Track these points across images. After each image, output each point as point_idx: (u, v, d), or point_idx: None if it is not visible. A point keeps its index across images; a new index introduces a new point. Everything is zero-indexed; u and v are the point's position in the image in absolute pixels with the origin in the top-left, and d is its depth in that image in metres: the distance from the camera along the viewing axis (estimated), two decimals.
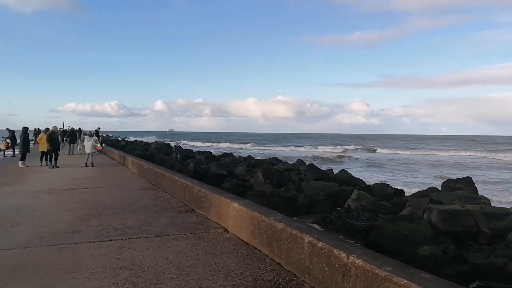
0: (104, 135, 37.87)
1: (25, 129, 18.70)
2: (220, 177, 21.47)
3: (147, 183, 12.60)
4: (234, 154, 46.97)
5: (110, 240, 5.90)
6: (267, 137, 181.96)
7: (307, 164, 33.74)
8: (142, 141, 72.69)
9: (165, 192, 10.68)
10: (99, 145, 19.50)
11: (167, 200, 9.55)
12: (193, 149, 51.62)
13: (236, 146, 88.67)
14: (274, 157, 36.05)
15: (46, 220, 7.31)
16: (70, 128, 36.36)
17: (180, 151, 33.46)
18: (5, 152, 23.63)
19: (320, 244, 4.14)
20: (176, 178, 9.89)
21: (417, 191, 17.47)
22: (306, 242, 4.38)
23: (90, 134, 19.57)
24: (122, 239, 5.94)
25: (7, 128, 23.71)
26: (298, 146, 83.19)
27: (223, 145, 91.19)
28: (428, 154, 64.23)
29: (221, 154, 47.66)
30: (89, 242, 5.82)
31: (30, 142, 23.32)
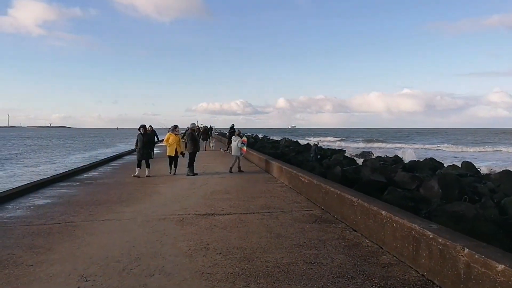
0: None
1: (143, 128, 14.17)
2: (377, 185, 16.62)
3: (311, 205, 8.51)
4: (373, 152, 41.34)
5: None
6: (395, 132, 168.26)
7: (479, 168, 26.74)
8: (269, 138, 70.87)
9: (354, 230, 6.39)
10: (245, 147, 15.46)
11: (374, 256, 5.20)
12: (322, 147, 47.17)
13: (363, 144, 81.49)
14: (432, 158, 29.55)
15: None
16: (203, 126, 35.49)
17: (319, 151, 29.21)
18: None
19: None
20: (382, 212, 5.50)
21: None
22: None
23: (238, 133, 16.17)
24: None
25: (150, 126, 21.71)
26: (433, 144, 72.56)
27: (349, 142, 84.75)
28: None
29: (359, 153, 42.46)
30: None
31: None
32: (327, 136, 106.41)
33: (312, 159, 26.60)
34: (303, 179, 9.80)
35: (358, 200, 6.44)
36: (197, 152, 14.74)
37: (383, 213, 5.49)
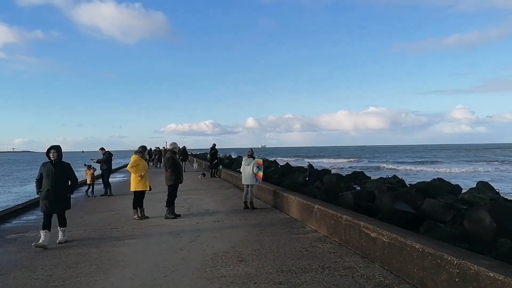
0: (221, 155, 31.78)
1: (54, 152, 7.45)
2: (404, 216, 12.79)
3: None
4: (365, 173, 37.82)
5: None
6: (365, 150, 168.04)
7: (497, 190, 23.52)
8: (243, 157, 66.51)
9: None
10: (261, 172, 11.15)
11: None
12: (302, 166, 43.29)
13: (342, 160, 79.15)
14: (440, 179, 26.22)
15: None
16: (182, 147, 31.92)
17: (314, 172, 25.24)
18: (93, 187, 15.13)
19: None
20: None
21: None
22: None
23: (251, 154, 11.34)
24: None
25: (101, 148, 15.91)
26: (413, 163, 70.40)
27: (326, 160, 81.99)
28: None
29: (350, 173, 38.85)
30: None
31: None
32: (295, 156, 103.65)
33: (309, 182, 22.62)
34: (373, 234, 5.70)
35: None
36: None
37: None
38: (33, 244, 7.11)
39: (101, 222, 9.63)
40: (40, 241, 7.15)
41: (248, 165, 10.93)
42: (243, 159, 11.37)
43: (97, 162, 15.52)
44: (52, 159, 7.38)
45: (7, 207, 13.05)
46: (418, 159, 79.16)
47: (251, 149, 11.56)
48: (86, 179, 15.42)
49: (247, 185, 10.92)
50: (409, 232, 5.41)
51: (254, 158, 11.17)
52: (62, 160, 7.57)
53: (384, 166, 57.23)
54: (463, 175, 41.11)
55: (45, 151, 7.49)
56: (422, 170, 50.57)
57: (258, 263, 5.82)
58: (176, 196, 10.01)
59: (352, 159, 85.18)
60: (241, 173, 11.43)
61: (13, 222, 10.18)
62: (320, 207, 7.83)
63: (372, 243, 5.73)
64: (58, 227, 7.55)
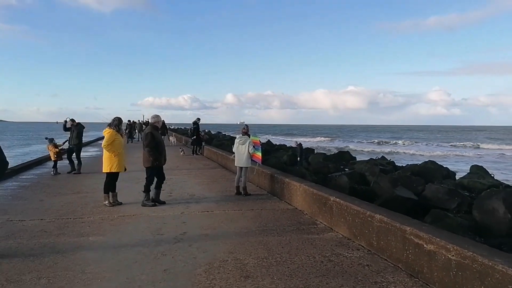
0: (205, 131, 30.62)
1: None
2: (406, 203, 11.51)
3: None
4: (329, 151, 36.75)
5: None
6: (342, 129, 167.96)
7: (492, 174, 22.67)
8: (224, 134, 64.51)
9: None
10: (259, 153, 9.43)
11: None
12: (286, 144, 42.00)
13: (322, 139, 78.62)
14: (431, 161, 25.26)
15: None
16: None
17: (304, 152, 23.90)
18: (56, 164, 13.03)
19: None
20: None
21: None
22: None
23: (246, 131, 9.48)
24: None
25: (71, 119, 13.87)
26: (386, 142, 70.29)
27: (304, 139, 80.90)
28: None
29: (335, 152, 37.68)
30: None
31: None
32: (274, 134, 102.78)
33: (299, 163, 21.25)
34: (428, 247, 4.20)
35: None
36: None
37: None
38: None
39: (64, 208, 7.88)
40: None
41: (243, 144, 9.25)
42: (237, 137, 9.65)
43: (68, 127, 13.60)
44: None
45: None
46: (397, 140, 79.06)
47: (246, 125, 9.84)
48: (49, 155, 13.45)
49: (241, 168, 9.28)
50: (491, 249, 3.91)
51: (249, 136, 9.49)
52: None
53: (362, 149, 56.32)
54: (445, 158, 40.68)
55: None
56: (402, 152, 50.01)
57: (271, 281, 4.25)
58: (156, 180, 8.29)
59: (327, 138, 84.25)
60: (233, 153, 9.76)
61: None
62: (338, 199, 6.29)
63: (427, 258, 4.23)
64: None
